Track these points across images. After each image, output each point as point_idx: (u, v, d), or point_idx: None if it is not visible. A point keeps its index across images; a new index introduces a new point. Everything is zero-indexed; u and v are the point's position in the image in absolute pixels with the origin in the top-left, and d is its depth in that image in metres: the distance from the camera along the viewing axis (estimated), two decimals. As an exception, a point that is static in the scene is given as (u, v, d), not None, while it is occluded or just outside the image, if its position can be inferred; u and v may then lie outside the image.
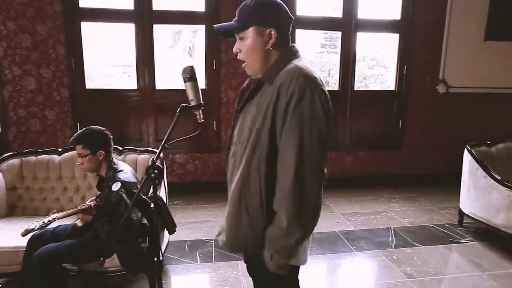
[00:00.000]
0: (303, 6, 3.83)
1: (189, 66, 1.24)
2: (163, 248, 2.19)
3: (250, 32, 1.06)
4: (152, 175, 1.21)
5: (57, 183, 2.44)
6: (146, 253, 1.80)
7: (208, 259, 2.48)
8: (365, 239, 2.81)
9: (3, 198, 2.33)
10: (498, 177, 2.60)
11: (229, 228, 1.10)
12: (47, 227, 1.78)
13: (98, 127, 1.91)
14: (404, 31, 4.01)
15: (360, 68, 4.95)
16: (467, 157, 2.90)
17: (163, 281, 2.07)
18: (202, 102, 1.27)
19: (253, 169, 1.03)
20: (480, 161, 2.76)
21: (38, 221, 1.72)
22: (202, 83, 3.72)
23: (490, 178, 2.63)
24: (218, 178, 3.85)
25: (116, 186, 1.73)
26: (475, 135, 3.42)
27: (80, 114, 3.57)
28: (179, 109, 1.23)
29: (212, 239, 2.74)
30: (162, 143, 1.22)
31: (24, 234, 1.68)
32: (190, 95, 1.25)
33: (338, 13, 3.94)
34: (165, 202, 2.20)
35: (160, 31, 4.06)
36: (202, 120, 1.29)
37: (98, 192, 1.98)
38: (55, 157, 2.48)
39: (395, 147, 4.21)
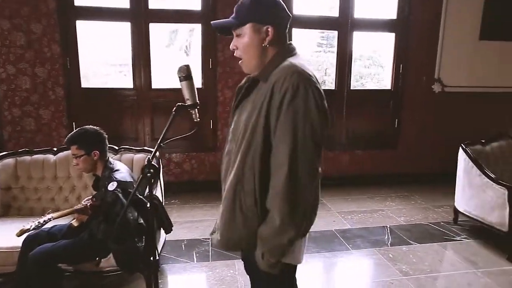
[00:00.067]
0: (300, 5, 3.83)
1: (185, 65, 1.24)
2: (159, 247, 2.18)
3: (247, 29, 1.06)
4: (148, 174, 1.21)
5: (52, 182, 2.43)
6: (142, 252, 1.80)
7: (204, 258, 2.48)
8: (361, 238, 2.82)
9: (-3, 198, 2.31)
10: (493, 176, 2.62)
11: (223, 227, 1.09)
12: (43, 227, 1.77)
13: (93, 127, 1.90)
14: (400, 30, 4.03)
15: (356, 67, 4.97)
16: (462, 155, 2.92)
17: (159, 281, 2.07)
18: (198, 101, 1.27)
19: (248, 167, 1.02)
20: (475, 159, 2.78)
21: (33, 221, 1.71)
22: (198, 82, 3.72)
23: (484, 177, 2.66)
24: (215, 177, 3.82)
25: (112, 186, 1.72)
26: (470, 134, 3.44)
27: (76, 113, 3.55)
28: (174, 108, 1.23)
29: (208, 238, 2.74)
30: (158, 142, 1.22)
31: (19, 234, 1.67)
32: (186, 94, 1.25)
33: (334, 12, 3.95)
34: (162, 201, 2.20)
35: (156, 30, 4.04)
36: (198, 119, 1.29)
37: (94, 192, 1.97)
38: (50, 157, 2.46)
39: (391, 146, 4.23)
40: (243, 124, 1.06)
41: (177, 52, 6.19)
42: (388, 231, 2.95)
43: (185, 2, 3.79)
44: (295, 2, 3.77)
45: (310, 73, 1.01)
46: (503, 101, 4.32)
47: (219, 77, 3.71)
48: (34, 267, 1.72)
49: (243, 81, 1.17)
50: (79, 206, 1.84)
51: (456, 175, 3.01)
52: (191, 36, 6.12)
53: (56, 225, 1.93)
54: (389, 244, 2.73)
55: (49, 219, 1.75)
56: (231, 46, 1.11)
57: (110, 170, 1.83)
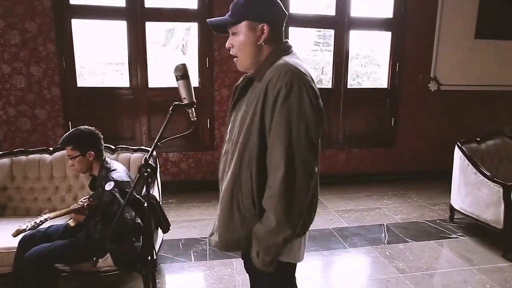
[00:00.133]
0: (297, 4, 3.83)
1: (181, 64, 1.24)
2: (157, 247, 2.18)
3: (242, 27, 1.06)
4: (145, 174, 1.20)
5: (49, 182, 2.41)
6: (139, 252, 1.80)
7: (202, 257, 2.48)
8: (358, 236, 2.84)
9: (-7, 198, 2.29)
10: (488, 173, 2.64)
11: (221, 228, 1.09)
12: (39, 227, 1.76)
13: (88, 127, 1.88)
14: (396, 29, 4.04)
15: (353, 66, 4.99)
16: (457, 153, 2.94)
17: (157, 280, 2.07)
18: (195, 100, 1.26)
19: (244, 167, 1.02)
20: (470, 157, 2.80)
21: (29, 222, 1.70)
22: (195, 81, 3.71)
23: (480, 174, 2.68)
24: (212, 177, 3.85)
25: (109, 186, 1.72)
26: (466, 132, 3.48)
27: (72, 112, 3.52)
28: (171, 107, 1.22)
29: (206, 238, 2.74)
30: (155, 141, 1.21)
31: (16, 234, 1.66)
32: (183, 93, 1.24)
33: (331, 11, 3.95)
34: (159, 201, 2.20)
35: (153, 29, 4.03)
36: (195, 118, 1.28)
37: (91, 192, 1.96)
38: (46, 157, 2.44)
39: (387, 144, 4.25)
40: (238, 124, 1.06)
41: (173, 51, 6.18)
42: (385, 229, 2.97)
43: (182, 1, 3.78)
44: (292, 0, 3.76)
45: (305, 72, 1.00)
46: (498, 100, 4.35)
47: (216, 76, 3.71)
48: (30, 268, 1.71)
49: (240, 80, 1.17)
50: (75, 206, 1.83)
51: (452, 173, 3.03)
52: (187, 35, 6.10)
53: (52, 225, 1.92)
54: (386, 242, 2.75)
55: (46, 219, 1.74)
56: (227, 44, 1.11)
57: (107, 170, 1.82)
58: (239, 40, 1.07)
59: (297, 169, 0.95)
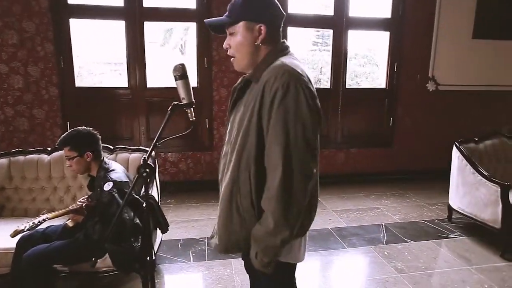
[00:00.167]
0: (295, 4, 3.83)
1: (180, 64, 1.24)
2: (156, 247, 2.18)
3: (239, 28, 1.05)
4: (144, 174, 1.20)
5: (47, 183, 2.40)
6: (138, 252, 1.80)
7: (201, 257, 2.48)
8: (357, 236, 2.84)
9: (-9, 199, 2.28)
10: (486, 173, 2.65)
11: (221, 230, 1.09)
12: (37, 228, 1.75)
13: (86, 128, 1.87)
14: (394, 29, 4.05)
15: (351, 66, 5.00)
16: (455, 153, 2.95)
17: (156, 281, 2.07)
18: (194, 100, 1.26)
19: (243, 168, 1.02)
20: (468, 157, 2.81)
21: (28, 222, 1.69)
22: (193, 81, 3.70)
23: (478, 174, 2.68)
24: (211, 177, 3.85)
25: (108, 186, 1.71)
26: (464, 132, 3.48)
27: (70, 113, 3.52)
28: (170, 107, 1.22)
29: (205, 238, 2.74)
30: (154, 141, 1.21)
31: (14, 235, 1.66)
32: (182, 93, 1.24)
33: (329, 11, 3.96)
34: (158, 201, 2.19)
35: (151, 29, 4.02)
36: (194, 119, 1.28)
37: (89, 192, 1.95)
38: (45, 157, 2.44)
39: (386, 144, 4.26)
40: (237, 125, 1.06)
41: (172, 51, 6.17)
42: (384, 229, 2.97)
43: (180, 1, 3.78)
44: (290, 0, 3.77)
45: (301, 72, 1.00)
46: (496, 100, 4.37)
47: (215, 76, 3.71)
48: (29, 268, 1.70)
49: (238, 81, 1.16)
50: (74, 206, 1.83)
51: (450, 173, 3.04)
52: (186, 34, 6.10)
53: (50, 226, 1.92)
54: (384, 242, 2.75)
55: (44, 220, 1.73)
56: (224, 45, 1.11)
57: (105, 170, 1.82)
58: (237, 41, 1.07)
59: (294, 170, 0.95)
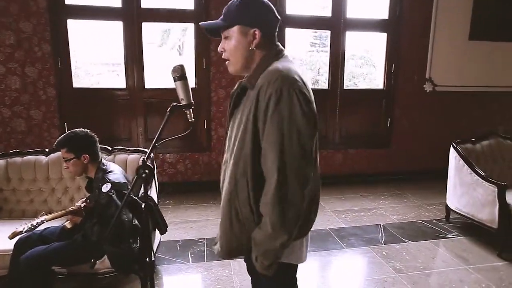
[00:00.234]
0: (293, 5, 3.85)
1: (179, 65, 1.24)
2: (154, 248, 2.17)
3: (234, 32, 1.05)
4: (143, 175, 1.20)
5: (45, 184, 2.39)
6: (137, 254, 1.79)
7: (200, 258, 2.47)
8: (355, 236, 2.85)
9: (-12, 200, 2.27)
10: (483, 173, 2.67)
11: (222, 236, 1.10)
12: (35, 229, 1.74)
13: (83, 129, 1.87)
14: (392, 30, 4.07)
15: (349, 67, 5.02)
16: (453, 154, 2.97)
17: (155, 282, 2.06)
18: (193, 101, 1.26)
19: (240, 175, 1.02)
20: (466, 158, 2.83)
21: (26, 224, 1.68)
22: (191, 82, 3.70)
23: (475, 175, 2.70)
24: (209, 178, 3.85)
25: (106, 187, 1.71)
26: (461, 133, 3.51)
27: (68, 113, 3.50)
28: (169, 108, 1.22)
29: (203, 239, 2.74)
30: (153, 142, 1.21)
31: (12, 237, 1.65)
32: (181, 94, 1.24)
33: (327, 12, 3.97)
34: (156, 202, 2.19)
35: (149, 29, 4.02)
36: (193, 119, 1.29)
37: (88, 193, 1.95)
38: (42, 158, 2.42)
39: (383, 145, 4.28)
40: (234, 133, 1.07)
41: (169, 52, 6.16)
42: (382, 229, 2.98)
43: (178, 1, 3.78)
44: (288, 2, 3.78)
45: (296, 76, 0.99)
46: (492, 100, 4.40)
47: (213, 77, 3.71)
48: (27, 270, 1.69)
49: (235, 87, 1.16)
50: (72, 207, 1.82)
51: (447, 173, 3.06)
52: (184, 35, 6.10)
53: (48, 228, 1.91)
54: (382, 242, 2.76)
55: (42, 221, 1.72)
56: (219, 48, 1.11)
57: (103, 172, 1.81)
58: (231, 44, 1.06)
59: (290, 175, 0.95)
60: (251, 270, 1.24)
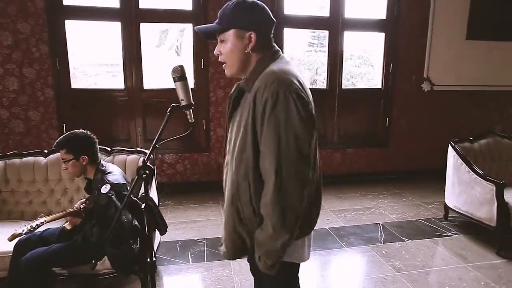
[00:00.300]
0: (291, 5, 3.85)
1: (179, 66, 1.24)
2: (154, 249, 2.17)
3: (230, 35, 1.05)
4: (144, 175, 1.20)
5: (44, 185, 2.38)
6: (137, 254, 1.79)
7: (200, 258, 2.47)
8: (354, 235, 2.86)
9: (-14, 202, 2.26)
10: (481, 172, 2.68)
11: (227, 238, 1.11)
12: (35, 231, 1.74)
13: (82, 131, 1.87)
14: (389, 30, 4.08)
15: (347, 67, 5.03)
16: (451, 153, 2.98)
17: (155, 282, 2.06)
18: (193, 102, 1.26)
19: (241, 178, 1.03)
20: (464, 156, 2.84)
21: (25, 225, 1.68)
22: (190, 82, 3.70)
23: (473, 173, 2.72)
24: (208, 178, 3.84)
25: (105, 188, 1.71)
26: (459, 132, 3.52)
27: (66, 114, 3.49)
28: (169, 108, 1.22)
29: (203, 239, 2.74)
30: (153, 143, 1.21)
31: (11, 239, 1.64)
32: (181, 94, 1.25)
33: (325, 12, 3.98)
34: (156, 202, 2.19)
35: (147, 30, 4.01)
36: (193, 120, 1.29)
37: (87, 195, 1.94)
38: (41, 159, 2.42)
39: (382, 144, 4.29)
40: (234, 135, 1.07)
41: (168, 52, 6.16)
42: (381, 228, 2.99)
43: (176, 2, 3.77)
44: (286, 2, 3.78)
45: (292, 78, 0.99)
46: (490, 99, 4.43)
47: (211, 77, 3.71)
48: (27, 272, 1.69)
49: (233, 89, 1.16)
50: (72, 209, 1.82)
51: (445, 172, 3.07)
52: (182, 36, 6.09)
53: (48, 229, 1.90)
54: (382, 241, 2.77)
55: (42, 223, 1.72)
56: (215, 51, 1.11)
57: (102, 173, 1.81)
58: (227, 48, 1.07)
59: (288, 177, 0.95)
60: (254, 270, 1.25)
